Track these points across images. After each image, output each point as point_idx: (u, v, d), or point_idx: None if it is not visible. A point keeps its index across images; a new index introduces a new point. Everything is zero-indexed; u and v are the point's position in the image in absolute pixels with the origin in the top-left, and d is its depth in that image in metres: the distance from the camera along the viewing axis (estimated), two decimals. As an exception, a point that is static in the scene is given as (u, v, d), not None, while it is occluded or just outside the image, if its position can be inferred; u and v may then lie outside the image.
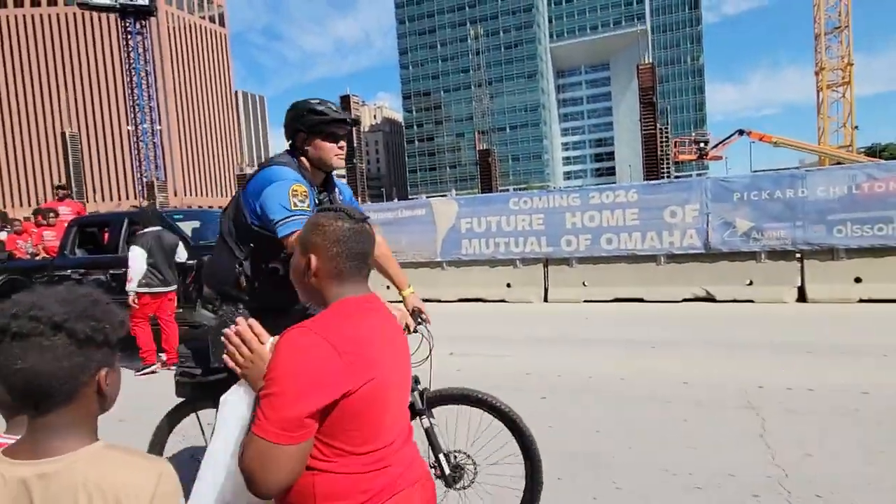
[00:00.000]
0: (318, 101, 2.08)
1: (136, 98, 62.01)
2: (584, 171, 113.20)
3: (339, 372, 1.02)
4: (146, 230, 5.31)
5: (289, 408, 0.98)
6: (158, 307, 5.27)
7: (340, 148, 2.12)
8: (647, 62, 30.38)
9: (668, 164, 25.85)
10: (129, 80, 62.12)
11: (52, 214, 6.56)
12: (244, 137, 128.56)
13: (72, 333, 0.85)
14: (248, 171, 41.19)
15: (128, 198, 76.43)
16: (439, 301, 9.28)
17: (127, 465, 0.86)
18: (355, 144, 30.69)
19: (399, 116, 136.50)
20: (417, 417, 1.96)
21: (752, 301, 7.31)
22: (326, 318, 1.09)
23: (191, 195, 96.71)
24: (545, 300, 8.74)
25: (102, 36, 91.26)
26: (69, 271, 6.01)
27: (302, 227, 1.25)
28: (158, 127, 65.24)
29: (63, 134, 38.43)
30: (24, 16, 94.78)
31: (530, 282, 9.02)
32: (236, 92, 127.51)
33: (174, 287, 5.36)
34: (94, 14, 72.66)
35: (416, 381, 2.00)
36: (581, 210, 8.56)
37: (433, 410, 2.06)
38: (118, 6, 58.96)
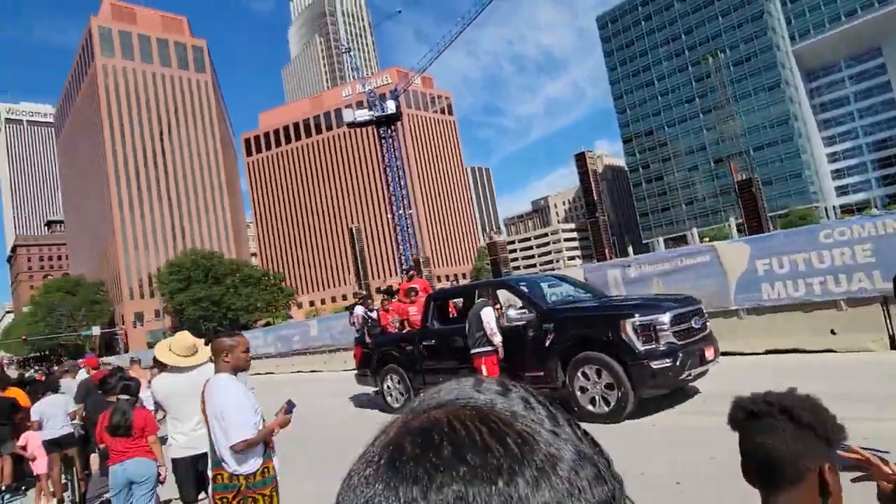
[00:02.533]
0: None
1: (391, 190, 74.23)
2: (865, 182, 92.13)
3: None
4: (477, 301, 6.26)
5: None
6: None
7: None
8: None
9: None
10: (385, 176, 74.93)
11: (413, 293, 8.16)
12: (474, 207, 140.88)
13: (796, 418, 0.95)
14: (497, 238, 44.74)
15: (393, 275, 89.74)
16: (741, 354, 8.44)
17: None
18: (595, 199, 30.81)
19: (621, 161, 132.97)
20: None
21: None
22: None
23: (439, 266, 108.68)
24: (893, 347, 7.27)
25: (366, 145, 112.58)
26: (432, 340, 7.32)
27: None
28: (410, 211, 76.42)
29: (350, 229, 47.65)
30: (312, 142, 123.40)
31: (863, 326, 7.63)
32: (466, 168, 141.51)
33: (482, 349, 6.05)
34: (359, 130, 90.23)
35: None
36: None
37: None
38: (374, 119, 72.61)
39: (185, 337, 4.12)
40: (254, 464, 2.70)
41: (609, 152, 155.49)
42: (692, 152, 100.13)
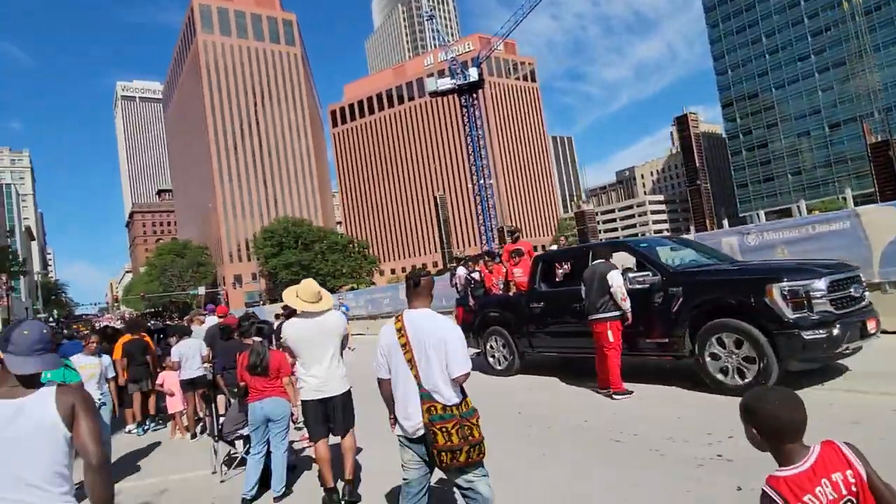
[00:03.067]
0: None
1: (472, 160, 73.80)
2: None
3: None
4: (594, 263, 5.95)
5: None
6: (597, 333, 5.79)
7: None
8: None
9: None
10: (467, 145, 74.53)
11: (518, 254, 8.01)
12: (555, 177, 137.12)
13: None
14: (585, 207, 43.13)
15: (475, 244, 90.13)
16: (885, 332, 7.55)
17: None
18: (697, 164, 28.75)
19: (718, 128, 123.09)
20: None
21: None
22: None
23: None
24: None
25: (448, 114, 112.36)
26: (541, 302, 7.16)
27: None
28: (491, 181, 75.77)
29: (436, 197, 48.10)
30: (396, 112, 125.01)
31: None
32: (548, 137, 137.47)
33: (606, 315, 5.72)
34: (442, 99, 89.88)
35: None
36: None
37: None
38: (456, 87, 71.96)
39: (310, 284, 4.21)
40: (459, 395, 2.77)
41: (703, 119, 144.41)
42: (803, 116, 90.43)
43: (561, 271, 7.67)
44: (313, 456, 5.31)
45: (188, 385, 6.76)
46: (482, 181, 72.09)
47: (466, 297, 8.44)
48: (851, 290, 4.85)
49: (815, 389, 4.95)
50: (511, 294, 7.68)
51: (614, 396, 5.69)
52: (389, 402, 2.96)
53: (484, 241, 72.63)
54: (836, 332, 4.47)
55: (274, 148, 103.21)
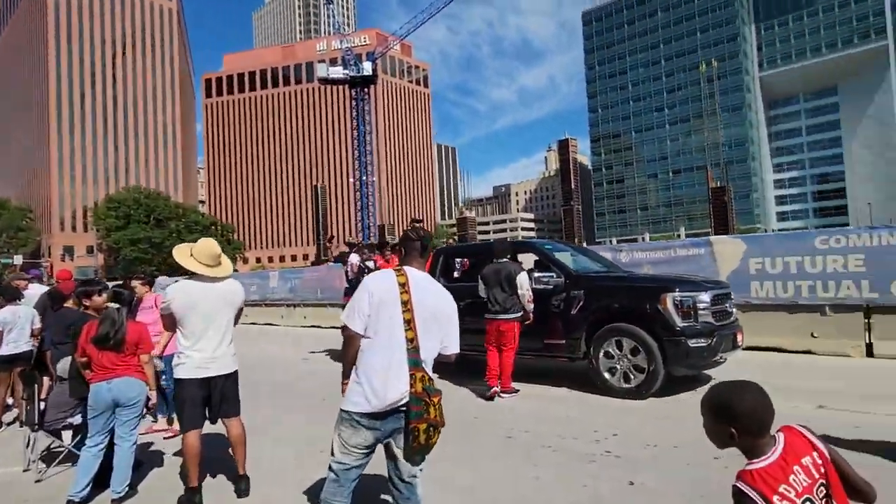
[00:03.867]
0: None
1: (357, 154, 72.29)
2: (804, 210, 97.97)
3: None
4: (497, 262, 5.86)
5: None
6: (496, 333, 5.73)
7: None
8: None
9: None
10: (353, 138, 72.83)
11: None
12: (436, 183, 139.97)
13: None
14: (468, 214, 44.12)
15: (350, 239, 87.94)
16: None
17: None
18: (573, 186, 31.09)
19: (586, 160, 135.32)
20: None
21: None
22: None
23: (396, 237, 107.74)
24: (869, 354, 7.51)
25: (335, 104, 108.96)
26: None
27: None
28: (374, 178, 74.85)
29: (315, 186, 46.09)
30: (280, 93, 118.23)
31: (843, 333, 7.85)
32: (433, 144, 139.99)
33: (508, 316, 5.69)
34: (331, 88, 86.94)
35: None
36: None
37: None
38: (349, 78, 70.18)
39: (209, 244, 3.55)
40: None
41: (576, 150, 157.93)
42: (654, 160, 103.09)
43: (459, 267, 7.56)
44: (165, 451, 4.51)
45: (4, 364, 5.41)
46: (365, 177, 70.90)
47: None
48: (726, 305, 5.34)
49: (691, 395, 5.33)
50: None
51: (502, 395, 5.66)
52: (351, 364, 2.43)
53: (361, 238, 71.57)
54: (714, 341, 4.88)
55: (132, 107, 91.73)
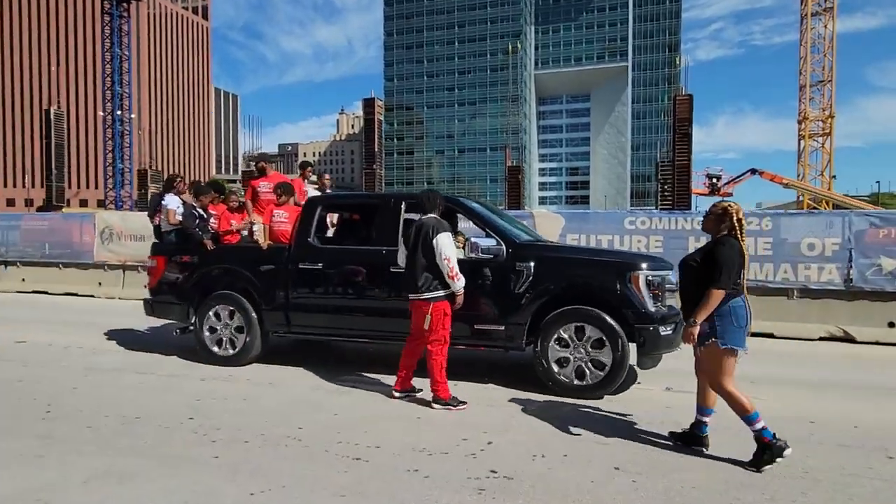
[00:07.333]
0: None
1: (111, 83, 58.64)
2: (559, 197, 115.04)
3: None
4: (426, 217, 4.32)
5: None
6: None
7: None
8: (684, 93, 30.67)
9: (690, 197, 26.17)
10: (106, 63, 58.77)
11: (284, 191, 5.38)
12: (212, 132, 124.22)
13: None
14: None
15: (93, 187, 71.67)
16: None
17: None
18: (376, 148, 29.67)
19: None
20: None
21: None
22: None
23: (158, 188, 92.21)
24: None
25: (85, 14, 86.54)
26: (319, 264, 4.96)
27: None
28: (132, 115, 61.87)
29: (46, 111, 35.36)
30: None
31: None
32: (212, 87, 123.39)
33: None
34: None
35: None
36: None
37: None
38: (102, -15, 56.09)
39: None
40: None
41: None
42: (441, 137, 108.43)
43: (334, 224, 5.75)
44: None
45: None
46: (119, 112, 58.03)
47: (185, 241, 5.45)
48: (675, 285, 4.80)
49: (638, 389, 4.70)
50: (262, 246, 5.17)
51: (434, 405, 4.13)
52: None
53: (111, 186, 58.71)
54: (676, 328, 4.21)
55: None
